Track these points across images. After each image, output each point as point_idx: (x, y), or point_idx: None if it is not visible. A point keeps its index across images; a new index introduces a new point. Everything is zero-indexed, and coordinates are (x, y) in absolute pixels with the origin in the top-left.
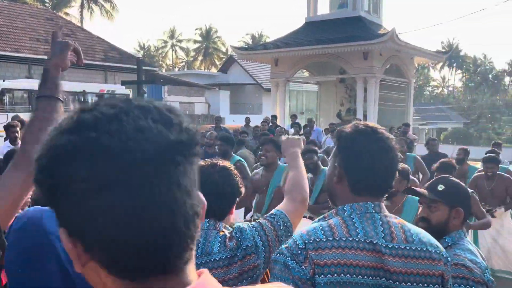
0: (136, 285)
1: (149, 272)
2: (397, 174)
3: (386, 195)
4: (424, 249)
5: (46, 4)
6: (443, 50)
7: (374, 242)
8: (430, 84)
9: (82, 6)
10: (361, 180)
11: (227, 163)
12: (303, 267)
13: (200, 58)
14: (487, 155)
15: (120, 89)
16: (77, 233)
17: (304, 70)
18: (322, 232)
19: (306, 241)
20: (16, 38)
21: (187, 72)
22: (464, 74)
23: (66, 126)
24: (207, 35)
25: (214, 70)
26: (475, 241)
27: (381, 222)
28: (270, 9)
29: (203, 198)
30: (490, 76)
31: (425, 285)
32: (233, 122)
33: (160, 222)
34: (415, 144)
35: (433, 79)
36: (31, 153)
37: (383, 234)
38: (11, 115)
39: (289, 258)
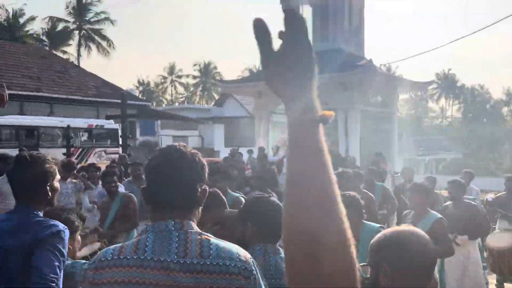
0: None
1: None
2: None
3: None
4: (221, 263)
5: (44, 43)
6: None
7: (162, 259)
8: (429, 116)
9: (79, 44)
10: (152, 195)
11: None
12: (81, 287)
13: (199, 92)
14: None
15: (108, 124)
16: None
17: None
18: (112, 251)
19: (91, 262)
20: (7, 76)
21: (184, 106)
22: (462, 105)
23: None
24: (206, 71)
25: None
26: (441, 271)
27: (177, 239)
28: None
29: None
30: (488, 106)
31: None
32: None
33: None
34: (394, 175)
35: (431, 110)
36: None
37: (176, 250)
38: None
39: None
